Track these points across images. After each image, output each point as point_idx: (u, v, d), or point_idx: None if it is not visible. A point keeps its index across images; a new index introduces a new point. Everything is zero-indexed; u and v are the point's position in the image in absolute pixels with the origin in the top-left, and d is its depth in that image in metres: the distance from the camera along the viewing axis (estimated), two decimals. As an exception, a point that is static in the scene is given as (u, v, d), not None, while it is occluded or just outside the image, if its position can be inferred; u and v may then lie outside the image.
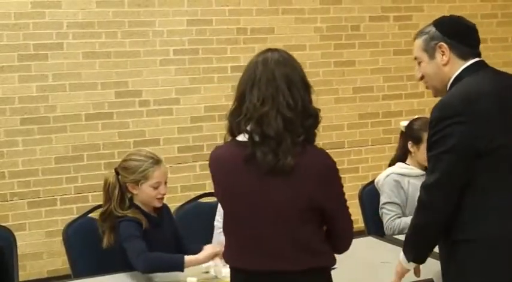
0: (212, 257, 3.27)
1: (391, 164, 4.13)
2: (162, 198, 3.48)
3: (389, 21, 6.31)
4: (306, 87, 2.36)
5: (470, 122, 2.50)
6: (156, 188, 3.42)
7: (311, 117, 2.34)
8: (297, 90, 2.32)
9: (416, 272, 2.81)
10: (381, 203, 4.00)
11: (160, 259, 3.25)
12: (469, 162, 2.51)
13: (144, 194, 3.43)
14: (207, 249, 3.28)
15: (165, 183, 3.48)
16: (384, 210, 3.98)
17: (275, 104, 2.29)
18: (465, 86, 2.61)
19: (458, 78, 2.65)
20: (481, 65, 2.69)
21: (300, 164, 2.27)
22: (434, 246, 2.71)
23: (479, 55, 2.72)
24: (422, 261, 2.75)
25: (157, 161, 3.46)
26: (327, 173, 2.34)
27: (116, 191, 3.41)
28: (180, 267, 3.21)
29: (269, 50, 2.43)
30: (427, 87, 2.82)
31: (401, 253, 2.77)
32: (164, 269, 3.24)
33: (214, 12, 5.74)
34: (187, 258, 3.23)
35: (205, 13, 5.71)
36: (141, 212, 3.42)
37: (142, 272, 3.26)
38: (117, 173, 3.45)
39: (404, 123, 4.16)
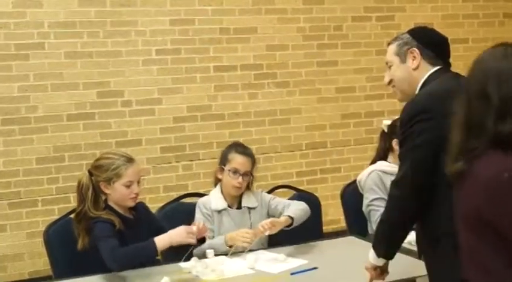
0: (186, 234, 3.25)
1: (372, 163, 4.14)
2: (136, 198, 3.48)
3: (372, 22, 6.32)
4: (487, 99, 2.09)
5: (438, 117, 2.54)
6: (128, 186, 3.42)
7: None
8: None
9: (382, 275, 2.86)
10: (368, 200, 3.99)
11: (129, 251, 3.24)
12: (438, 155, 2.53)
13: (117, 193, 3.42)
14: (182, 228, 3.28)
15: (138, 182, 3.48)
16: (372, 207, 3.96)
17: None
18: (431, 87, 2.70)
19: (426, 82, 2.74)
20: (446, 70, 2.78)
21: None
22: (403, 241, 2.77)
23: (449, 66, 2.81)
24: (392, 256, 2.81)
25: (129, 160, 3.46)
26: (497, 185, 2.03)
27: (90, 192, 3.40)
28: (152, 251, 3.21)
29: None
30: (394, 93, 2.88)
31: (371, 249, 2.82)
32: (137, 260, 3.25)
33: (197, 12, 5.73)
34: (158, 239, 3.23)
35: (188, 13, 5.70)
36: (115, 213, 3.42)
37: (117, 271, 3.25)
38: (91, 174, 3.44)
39: (387, 122, 4.17)
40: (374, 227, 3.92)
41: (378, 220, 3.73)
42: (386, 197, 3.94)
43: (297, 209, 3.76)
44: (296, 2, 6.05)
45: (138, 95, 5.57)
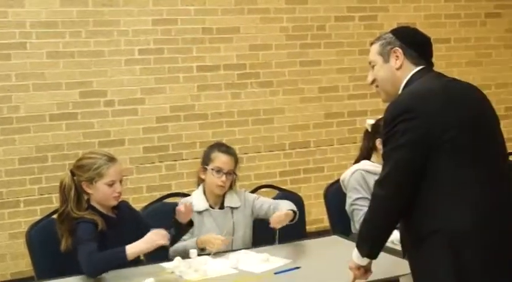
0: (155, 239, 3.24)
1: (356, 163, 4.14)
2: (118, 197, 3.47)
3: (355, 21, 6.33)
4: None
5: (421, 116, 2.56)
6: (111, 186, 3.41)
7: None
8: None
9: (365, 274, 2.87)
10: (351, 199, 3.99)
11: (103, 256, 3.23)
12: (422, 154, 2.56)
13: (100, 192, 3.41)
14: (150, 234, 3.27)
15: (121, 181, 3.47)
16: (356, 207, 3.96)
17: None
18: (414, 87, 2.71)
19: (409, 82, 2.74)
20: (429, 70, 2.79)
21: None
22: (387, 240, 2.77)
23: (431, 66, 2.82)
24: (376, 256, 2.81)
25: (111, 159, 3.45)
26: None
27: (72, 192, 3.38)
28: (122, 259, 3.20)
29: None
30: (377, 92, 2.89)
31: (355, 249, 2.82)
32: (110, 265, 3.24)
33: (179, 11, 5.72)
34: (129, 246, 3.22)
35: (170, 12, 5.68)
36: (98, 213, 3.41)
37: (92, 277, 3.23)
38: (73, 174, 3.43)
39: (370, 121, 4.17)
40: (357, 226, 3.93)
41: (362, 219, 3.74)
42: (369, 197, 3.95)
43: (292, 205, 3.76)
44: (279, 1, 6.05)
45: (121, 95, 5.55)
